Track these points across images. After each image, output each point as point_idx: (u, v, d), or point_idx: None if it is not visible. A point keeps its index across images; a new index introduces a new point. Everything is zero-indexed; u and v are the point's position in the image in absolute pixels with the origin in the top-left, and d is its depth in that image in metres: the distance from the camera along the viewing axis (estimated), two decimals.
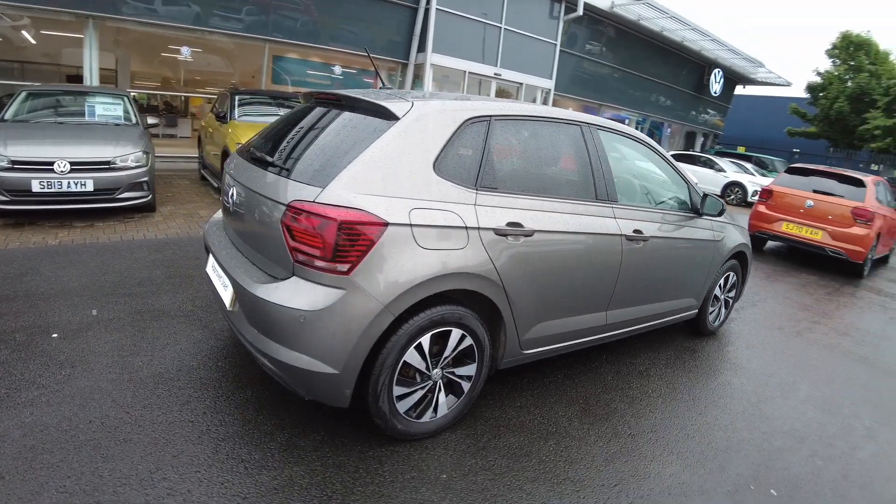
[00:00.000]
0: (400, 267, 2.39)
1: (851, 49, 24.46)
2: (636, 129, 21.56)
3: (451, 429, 2.87)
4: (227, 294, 2.74)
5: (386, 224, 2.34)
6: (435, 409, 2.77)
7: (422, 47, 13.40)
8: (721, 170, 17.30)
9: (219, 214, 3.50)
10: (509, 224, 2.77)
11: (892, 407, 4.02)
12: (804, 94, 26.86)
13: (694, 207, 4.11)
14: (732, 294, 5.04)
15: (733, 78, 25.19)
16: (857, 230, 8.46)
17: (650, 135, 21.91)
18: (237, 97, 7.83)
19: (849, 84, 24.49)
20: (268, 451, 2.52)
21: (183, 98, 14.31)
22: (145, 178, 6.09)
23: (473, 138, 2.75)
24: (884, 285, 8.52)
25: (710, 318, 4.80)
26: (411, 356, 2.56)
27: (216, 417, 2.72)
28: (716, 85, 23.89)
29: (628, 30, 19.23)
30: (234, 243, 2.96)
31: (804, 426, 3.50)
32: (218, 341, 3.50)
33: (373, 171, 2.41)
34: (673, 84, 22.55)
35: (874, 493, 2.92)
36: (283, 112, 8.19)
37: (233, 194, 2.89)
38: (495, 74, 15.06)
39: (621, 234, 3.39)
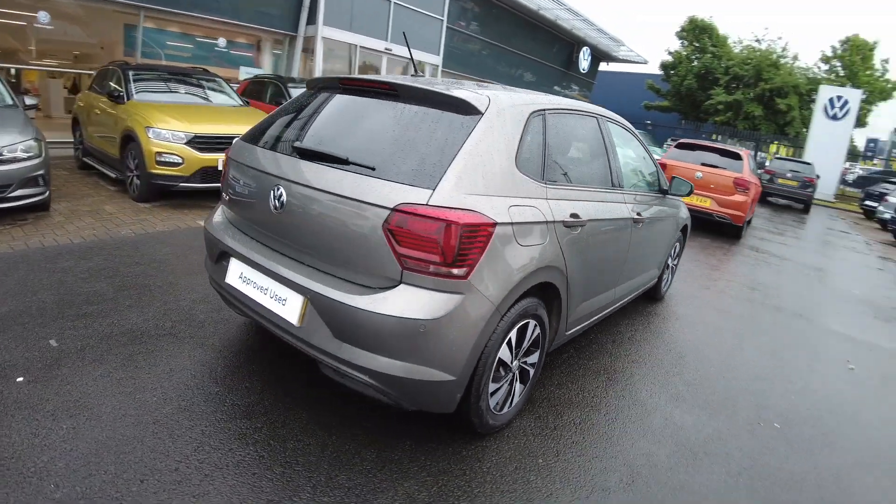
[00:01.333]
0: (506, 266, 2.39)
1: (697, 32, 27.36)
2: None
3: (517, 416, 2.98)
4: (287, 309, 2.47)
5: (495, 224, 2.31)
6: (511, 400, 2.84)
7: (311, 19, 12.69)
8: None
9: (220, 213, 3.11)
10: (571, 215, 2.90)
11: (814, 343, 5.00)
12: (658, 72, 29.65)
13: (661, 188, 4.49)
14: (676, 262, 5.63)
15: (598, 56, 27.03)
16: (737, 197, 9.63)
17: None
18: (131, 73, 6.88)
19: (695, 63, 27.43)
20: (367, 472, 2.37)
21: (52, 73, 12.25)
22: (41, 172, 5.14)
23: (537, 132, 2.78)
24: (757, 243, 9.84)
25: (663, 284, 5.41)
26: (503, 352, 2.59)
27: (287, 446, 2.46)
28: (584, 62, 25.48)
29: (508, 8, 19.78)
30: (277, 250, 2.63)
31: (765, 371, 4.18)
32: (230, 360, 3.13)
33: (473, 170, 2.31)
34: (546, 61, 23.66)
35: (840, 414, 3.68)
36: (184, 90, 7.38)
37: (281, 195, 2.52)
38: (386, 49, 14.74)
39: (631, 218, 3.66)
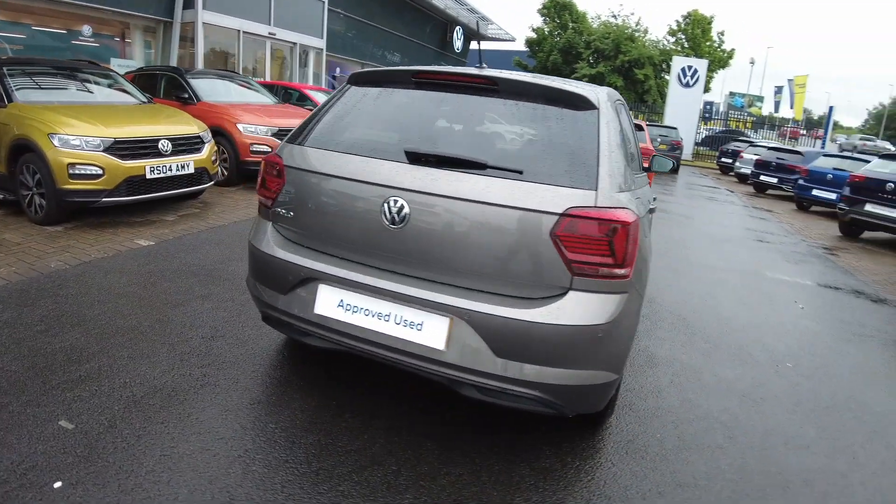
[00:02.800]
0: (644, 258, 2.49)
1: (557, 9, 28.61)
2: None
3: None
4: (426, 334, 2.19)
5: (639, 218, 2.27)
6: None
7: (189, 3, 11.30)
8: None
9: (273, 231, 2.58)
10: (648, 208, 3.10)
11: (760, 257, 6.19)
12: (525, 48, 30.69)
13: (642, 166, 4.49)
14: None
15: (470, 34, 27.33)
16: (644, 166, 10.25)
17: None
18: (5, 69, 5.58)
19: (558, 39, 28.76)
20: (537, 488, 2.24)
21: None
22: None
23: (623, 122, 2.82)
24: (659, 205, 10.60)
25: None
26: None
27: (439, 483, 2.14)
28: (457, 42, 25.68)
29: None
30: (393, 270, 2.31)
31: (748, 320, 4.66)
32: (294, 397, 2.62)
33: (614, 167, 2.27)
34: (424, 42, 23.48)
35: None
36: (76, 87, 6.18)
37: (401, 208, 2.21)
38: (270, 34, 13.66)
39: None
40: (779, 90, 33.28)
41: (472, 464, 2.35)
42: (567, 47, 28.06)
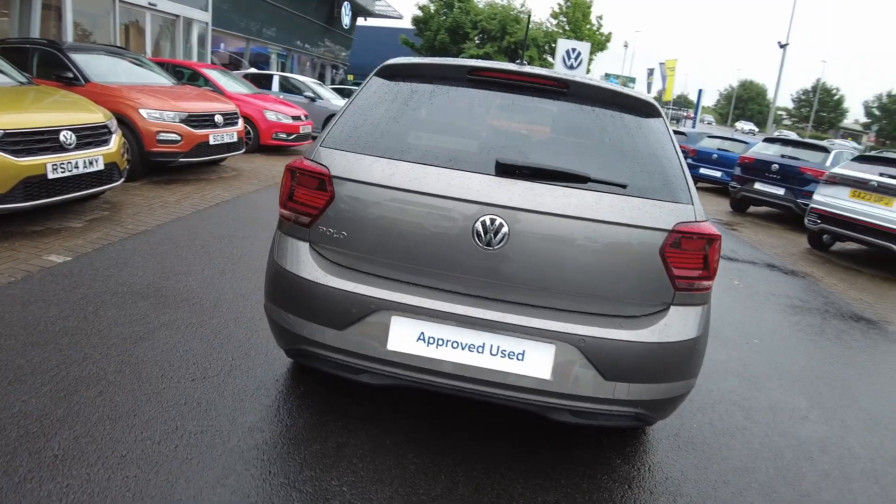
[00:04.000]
0: None
1: None
2: (279, 62, 20.63)
3: None
4: (529, 364, 2.03)
5: None
6: None
7: None
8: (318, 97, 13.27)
9: (314, 255, 2.18)
10: None
11: None
12: (412, 27, 30.20)
13: None
14: None
15: (357, 10, 26.35)
16: None
17: (281, 67, 21.11)
18: None
19: (445, 19, 28.63)
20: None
21: None
22: None
23: None
24: None
25: None
26: None
27: None
28: (346, 18, 24.64)
29: None
30: (483, 295, 2.08)
31: None
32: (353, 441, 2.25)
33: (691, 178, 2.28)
34: (312, 17, 22.21)
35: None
36: None
37: (500, 227, 1.99)
38: (150, 4, 12.09)
39: None
40: (650, 72, 35.82)
41: (557, 483, 2.30)
42: (454, 27, 28.06)
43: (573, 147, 2.34)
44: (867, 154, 9.14)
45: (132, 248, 4.36)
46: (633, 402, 2.09)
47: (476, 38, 27.98)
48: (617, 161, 2.23)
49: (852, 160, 8.28)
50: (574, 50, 24.90)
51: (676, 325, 2.10)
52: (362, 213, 2.10)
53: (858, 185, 7.41)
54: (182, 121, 6.59)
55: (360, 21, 28.34)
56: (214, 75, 9.53)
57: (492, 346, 2.02)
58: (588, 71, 29.84)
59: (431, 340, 2.04)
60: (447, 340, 2.03)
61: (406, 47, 30.75)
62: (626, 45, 40.44)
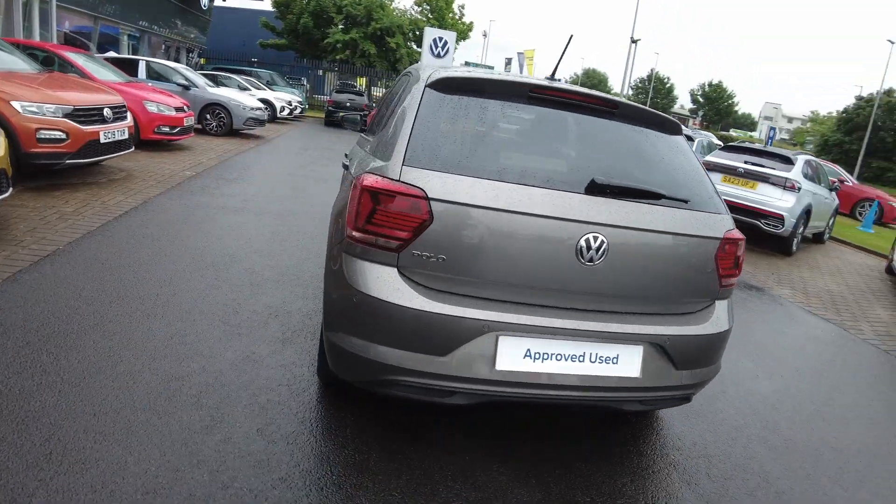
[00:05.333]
0: None
1: None
2: (129, 45, 18.47)
3: None
4: (622, 366, 2.20)
5: None
6: None
7: None
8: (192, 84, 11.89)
9: (402, 280, 2.07)
10: None
11: None
12: (273, 9, 28.39)
13: None
14: None
15: None
16: None
17: (132, 50, 18.88)
18: None
19: (308, 2, 27.27)
20: None
21: None
22: None
23: None
24: None
25: None
26: None
27: None
28: None
29: None
30: (578, 307, 2.20)
31: None
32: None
33: None
34: None
35: None
36: None
37: (601, 244, 2.12)
38: None
39: None
40: (508, 62, 37.26)
41: (625, 467, 2.50)
42: (318, 10, 26.85)
43: (634, 164, 2.47)
44: (733, 144, 10.41)
45: (53, 274, 3.63)
46: (691, 385, 2.40)
47: (340, 24, 27.06)
48: (670, 176, 2.44)
49: (721, 149, 9.38)
50: (441, 39, 25.12)
51: (722, 317, 2.47)
52: (464, 236, 2.05)
53: (728, 172, 8.41)
54: (67, 115, 5.58)
55: (219, 2, 26.05)
56: (80, 60, 8.17)
57: (590, 354, 2.16)
58: (453, 59, 30.36)
59: (537, 356, 2.11)
60: (551, 354, 2.12)
61: (267, 31, 28.94)
62: (485, 35, 41.76)
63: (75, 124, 5.65)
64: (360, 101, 20.45)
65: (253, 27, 29.82)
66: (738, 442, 2.93)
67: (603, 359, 2.17)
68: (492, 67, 46.37)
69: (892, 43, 36.23)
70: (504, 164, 2.21)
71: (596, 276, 2.15)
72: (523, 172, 2.17)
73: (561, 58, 2.97)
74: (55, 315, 3.05)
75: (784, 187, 7.86)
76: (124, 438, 2.15)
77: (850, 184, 16.65)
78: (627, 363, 2.20)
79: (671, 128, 2.57)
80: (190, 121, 9.44)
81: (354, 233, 2.10)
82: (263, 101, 15.44)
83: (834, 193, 10.00)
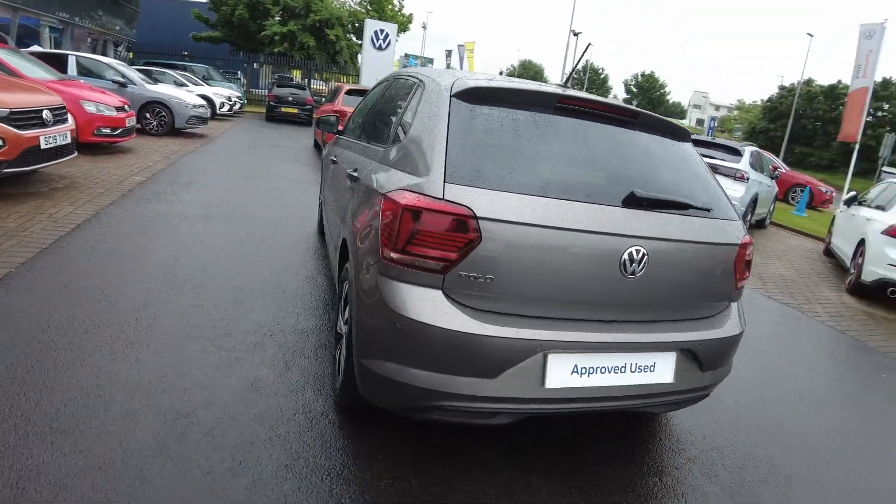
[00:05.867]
0: None
1: None
2: (50, 37, 17.13)
3: None
4: (658, 373, 2.24)
5: None
6: None
7: None
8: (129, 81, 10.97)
9: (449, 303, 1.98)
10: None
11: None
12: (206, 0, 27.00)
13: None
14: None
15: None
16: None
17: (55, 44, 17.53)
18: None
19: None
20: None
21: None
22: None
23: None
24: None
25: None
26: None
27: None
28: None
29: None
30: (618, 319, 2.21)
31: None
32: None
33: None
34: None
35: None
36: None
37: (642, 257, 2.12)
38: None
39: None
40: (449, 53, 37.06)
41: (646, 465, 2.50)
42: (254, 2, 25.72)
43: (660, 174, 2.47)
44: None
45: (11, 303, 3.25)
46: (712, 384, 2.50)
47: (277, 15, 26.05)
48: (691, 185, 2.47)
49: None
50: (382, 31, 24.72)
51: (736, 318, 2.54)
52: (512, 254, 1.99)
53: None
54: (2, 119, 5.04)
55: None
56: (4, 56, 7.42)
57: (631, 364, 2.18)
58: (394, 52, 29.92)
59: (584, 370, 2.10)
60: (597, 368, 2.12)
61: (200, 23, 27.50)
62: (424, 27, 41.35)
63: (12, 129, 5.10)
64: (303, 96, 19.83)
65: (185, 19, 28.23)
66: (741, 431, 3.05)
67: (642, 368, 2.20)
68: (431, 60, 46.05)
69: (811, 36, 38.99)
70: (544, 178, 2.15)
71: (635, 289, 2.16)
72: (564, 187, 2.15)
73: (575, 67, 2.94)
74: (25, 352, 2.71)
75: (735, 178, 8.17)
76: (141, 492, 1.92)
77: (783, 171, 17.64)
78: (663, 370, 2.25)
79: (682, 135, 2.63)
80: (132, 121, 8.80)
81: (393, 254, 1.98)
82: (202, 97, 14.66)
83: (774, 181, 10.52)
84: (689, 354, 2.31)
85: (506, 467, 2.37)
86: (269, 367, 2.88)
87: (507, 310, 2.03)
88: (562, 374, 2.05)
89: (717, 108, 75.73)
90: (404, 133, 2.50)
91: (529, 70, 77.42)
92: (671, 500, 2.39)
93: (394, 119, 2.86)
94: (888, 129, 30.86)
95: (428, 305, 1.94)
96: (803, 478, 2.74)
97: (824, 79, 44.31)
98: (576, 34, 30.83)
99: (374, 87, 4.24)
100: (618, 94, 75.35)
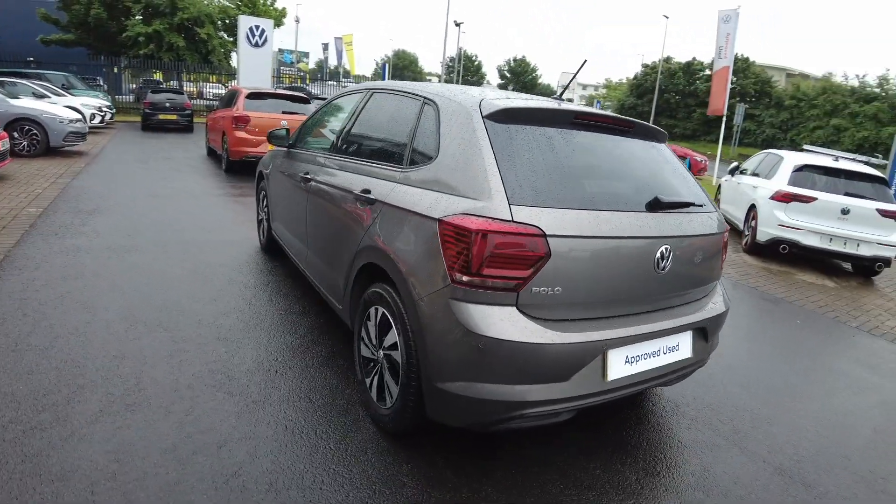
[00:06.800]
0: None
1: None
2: None
3: None
4: (681, 351, 2.55)
5: None
6: None
7: None
8: None
9: (522, 317, 2.08)
10: None
11: None
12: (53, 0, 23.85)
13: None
14: None
15: None
16: None
17: None
18: None
19: None
20: None
21: None
22: None
23: None
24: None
25: None
26: None
27: None
28: None
29: None
30: (650, 309, 2.46)
31: None
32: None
33: None
34: None
35: None
36: None
37: (669, 254, 2.40)
38: None
39: None
40: (326, 47, 35.83)
41: (636, 448, 2.72)
42: (112, 1, 23.15)
43: (661, 176, 2.71)
44: None
45: None
46: (710, 352, 2.82)
47: (139, 14, 23.67)
48: (683, 184, 2.75)
49: None
50: (258, 27, 23.38)
51: (723, 295, 2.93)
52: (575, 266, 2.13)
53: None
54: None
55: None
56: None
57: (663, 347, 2.46)
58: (271, 49, 28.42)
59: (632, 359, 2.34)
60: (641, 355, 2.37)
61: (48, 24, 24.25)
62: (297, 20, 39.59)
63: None
64: (181, 101, 18.36)
65: (28, 21, 24.80)
66: (719, 389, 3.45)
67: (670, 348, 2.49)
68: (307, 54, 44.51)
69: (667, 18, 43.38)
70: (585, 191, 2.31)
71: (662, 282, 2.43)
72: (603, 198, 2.33)
73: (572, 80, 3.14)
74: None
75: None
76: None
77: None
78: (684, 347, 2.56)
79: (662, 137, 2.90)
80: (5, 144, 7.66)
81: (465, 277, 2.02)
82: (70, 108, 13.04)
83: None
84: (701, 332, 2.66)
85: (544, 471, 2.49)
86: (297, 408, 2.70)
87: (572, 316, 2.19)
88: (618, 366, 2.27)
89: (585, 87, 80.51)
90: (431, 154, 2.48)
91: (403, 60, 77.26)
92: (694, 457, 2.70)
93: (404, 139, 2.77)
94: (738, 99, 34.64)
95: (508, 323, 2.02)
96: (779, 420, 3.20)
97: (683, 58, 48.83)
98: (457, 24, 31.22)
99: (337, 101, 4.04)
100: (492, 79, 77.59)
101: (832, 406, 3.53)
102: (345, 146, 3.39)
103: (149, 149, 12.86)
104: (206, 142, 12.90)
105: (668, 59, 47.41)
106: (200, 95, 28.14)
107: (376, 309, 2.56)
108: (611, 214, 2.26)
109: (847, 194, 6.98)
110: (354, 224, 2.85)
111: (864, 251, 6.83)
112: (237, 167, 10.22)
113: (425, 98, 2.71)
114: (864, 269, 7.30)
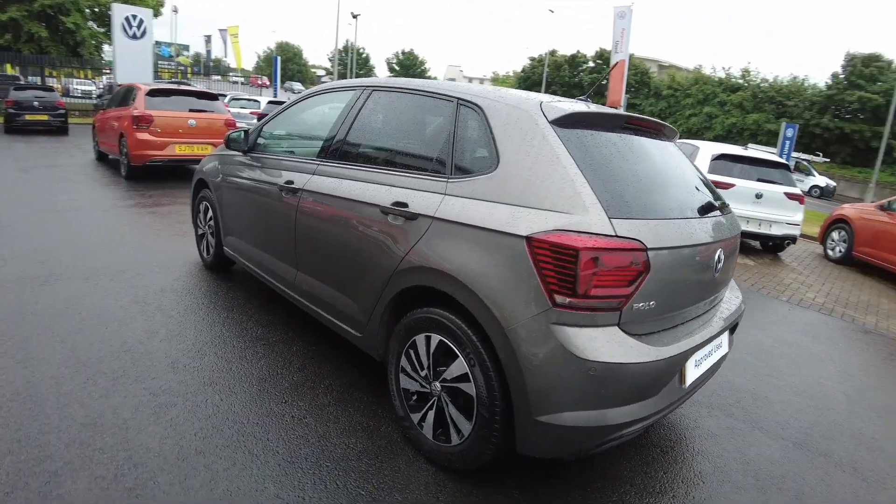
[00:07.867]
0: None
1: None
2: None
3: None
4: (724, 347, 2.62)
5: None
6: None
7: None
8: None
9: (623, 339, 1.92)
10: None
11: None
12: None
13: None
14: None
15: None
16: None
17: None
18: None
19: None
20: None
21: None
22: None
23: None
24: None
25: None
26: None
27: None
28: None
29: None
30: (705, 311, 2.46)
31: None
32: None
33: None
34: None
35: None
36: None
37: (720, 257, 2.40)
38: None
39: None
40: (209, 38, 33.02)
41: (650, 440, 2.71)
42: None
43: (690, 177, 2.67)
44: None
45: None
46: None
47: None
48: (705, 184, 2.76)
49: None
50: (135, 17, 21.03)
51: (737, 288, 3.02)
52: (667, 277, 2.03)
53: None
54: None
55: None
56: None
57: (715, 345, 2.47)
58: (152, 41, 25.74)
59: (699, 362, 2.32)
60: (704, 357, 2.36)
61: None
62: (175, 11, 36.11)
63: None
64: (52, 99, 16.02)
65: None
66: (717, 373, 3.50)
67: (717, 346, 2.51)
68: (187, 47, 40.88)
69: (552, 12, 44.76)
70: (662, 199, 2.23)
71: (716, 283, 2.44)
72: (674, 205, 2.27)
73: (601, 81, 3.08)
74: None
75: None
76: None
77: None
78: (724, 343, 2.61)
79: (674, 135, 2.88)
80: None
81: (570, 300, 1.81)
82: None
83: None
84: (733, 328, 2.73)
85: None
86: (334, 460, 2.30)
87: (658, 328, 2.10)
88: (692, 370, 2.25)
89: (471, 80, 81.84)
90: (487, 163, 2.19)
91: (287, 52, 73.77)
92: (715, 442, 2.81)
93: (440, 145, 2.42)
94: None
95: (617, 346, 1.86)
96: (773, 397, 3.42)
97: (568, 51, 50.88)
98: (354, 16, 30.16)
99: (312, 99, 3.50)
100: (380, 72, 76.48)
101: (805, 377, 3.81)
102: (346, 152, 2.92)
103: (24, 155, 11.06)
104: (95, 145, 11.34)
105: (553, 52, 49.37)
106: (67, 93, 24.89)
107: (428, 337, 2.23)
108: (685, 222, 2.20)
109: (759, 180, 7.56)
110: (386, 242, 2.45)
111: (776, 231, 7.47)
112: (140, 173, 9.09)
113: (460, 100, 2.39)
114: (774, 247, 7.99)
